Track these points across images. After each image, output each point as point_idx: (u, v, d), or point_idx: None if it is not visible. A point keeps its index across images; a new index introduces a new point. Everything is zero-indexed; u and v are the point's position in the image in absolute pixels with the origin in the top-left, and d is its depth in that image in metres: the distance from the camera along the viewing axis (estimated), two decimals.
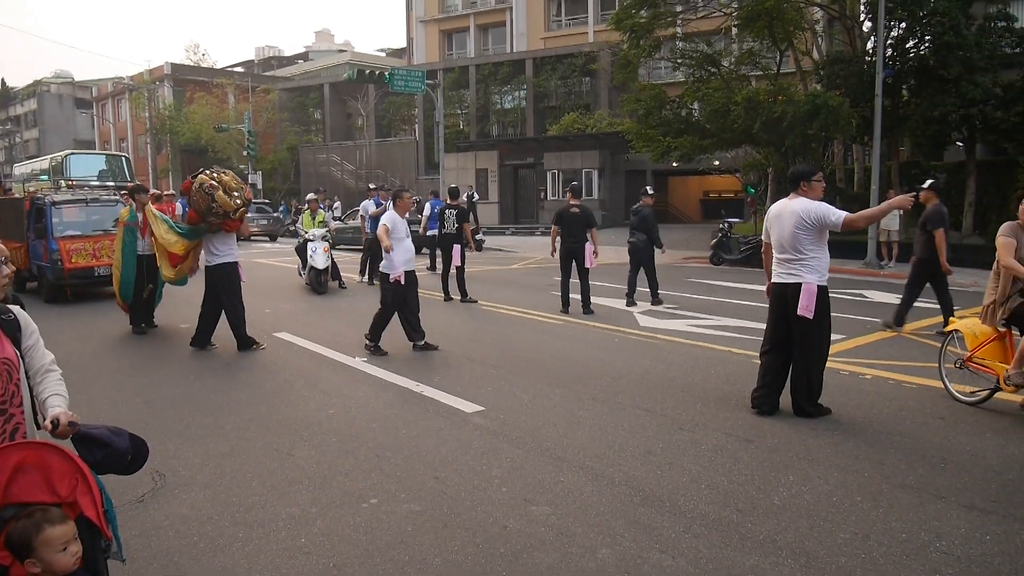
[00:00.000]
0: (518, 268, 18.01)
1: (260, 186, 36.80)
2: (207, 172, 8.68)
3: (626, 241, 11.78)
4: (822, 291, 5.69)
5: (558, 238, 10.97)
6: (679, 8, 22.71)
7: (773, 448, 5.12)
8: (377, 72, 26.91)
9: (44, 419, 2.56)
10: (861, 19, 20.66)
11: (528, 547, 3.77)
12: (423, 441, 5.37)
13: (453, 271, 12.11)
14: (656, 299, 11.42)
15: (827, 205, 5.67)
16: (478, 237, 22.20)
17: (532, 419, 5.85)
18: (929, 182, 9.30)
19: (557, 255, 11.05)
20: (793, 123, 17.61)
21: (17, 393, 2.63)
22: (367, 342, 8.39)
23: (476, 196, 24.00)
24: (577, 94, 37.18)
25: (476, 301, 11.85)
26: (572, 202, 10.96)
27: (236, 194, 8.47)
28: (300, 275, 14.30)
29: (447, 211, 12.31)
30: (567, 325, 9.94)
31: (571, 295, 11.02)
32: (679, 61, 23.03)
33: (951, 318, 7.34)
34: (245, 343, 8.66)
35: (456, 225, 12.14)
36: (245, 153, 37.23)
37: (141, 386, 7.06)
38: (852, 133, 19.05)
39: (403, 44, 52.97)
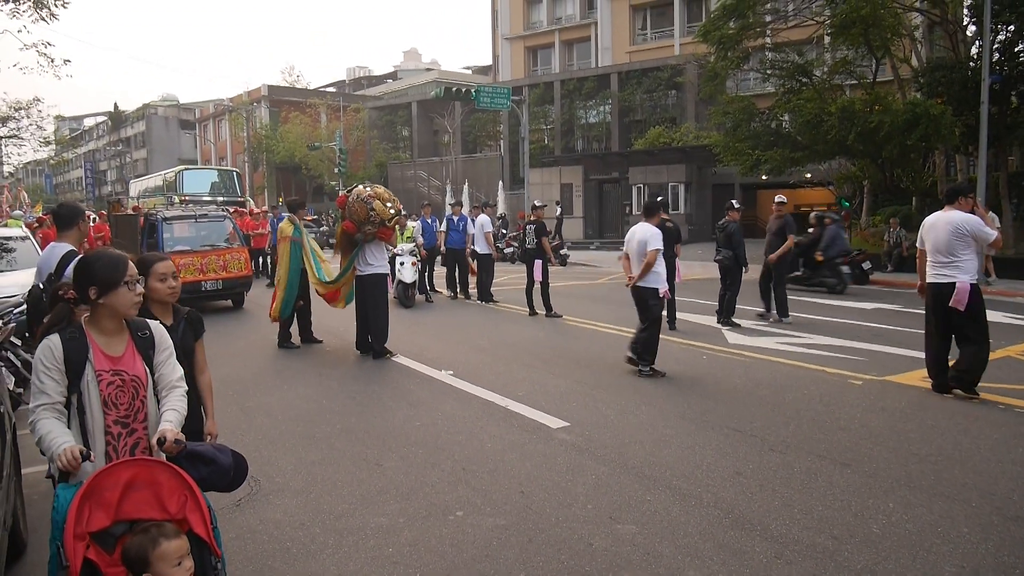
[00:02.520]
0: (604, 283, 17.89)
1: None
2: (362, 185, 9.21)
3: (712, 258, 11.54)
4: (975, 288, 6.59)
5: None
6: (768, 18, 22.23)
7: (871, 473, 4.90)
8: (464, 89, 27.36)
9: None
10: (964, 23, 19.72)
11: (614, 566, 3.72)
12: (508, 455, 5.39)
13: (537, 286, 12.12)
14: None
15: (980, 221, 6.69)
16: (563, 252, 22.19)
17: (618, 436, 5.79)
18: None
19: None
20: (891, 133, 16.94)
21: (142, 409, 2.71)
22: (641, 368, 7.86)
23: (561, 211, 24.01)
24: (663, 107, 36.79)
25: (561, 316, 11.84)
26: (663, 216, 10.82)
27: (389, 204, 8.88)
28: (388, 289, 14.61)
29: (527, 226, 12.37)
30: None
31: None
32: (769, 72, 22.52)
33: None
34: (381, 353, 8.92)
35: (535, 240, 12.17)
36: (336, 170, 38.40)
37: (237, 394, 7.35)
38: (955, 143, 18.17)
39: (489, 61, 53.65)
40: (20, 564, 3.94)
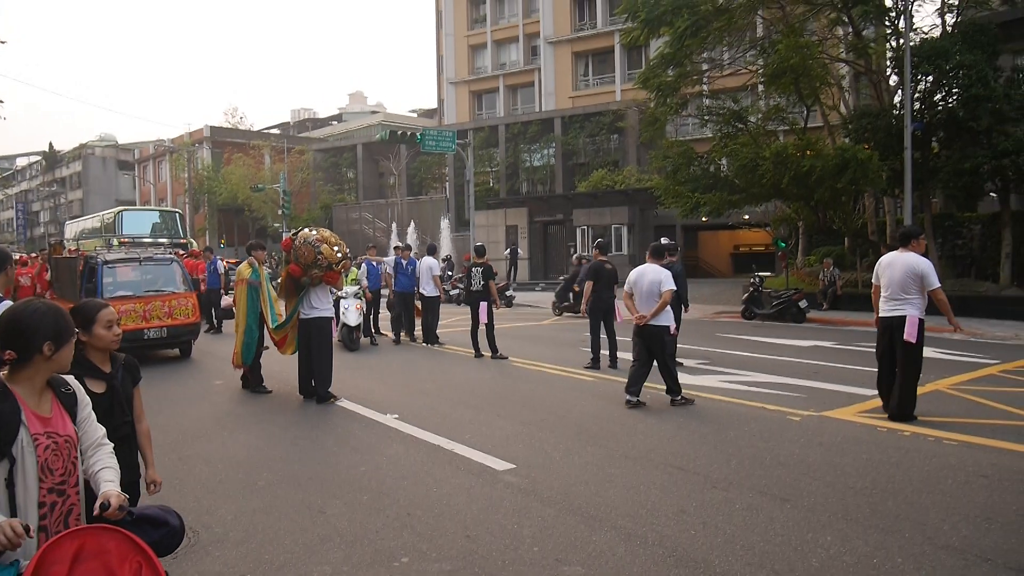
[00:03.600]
0: (548, 324, 18.02)
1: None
2: (308, 228, 9.16)
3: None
4: (921, 323, 7.21)
5: (590, 293, 10.98)
6: (705, 66, 23.06)
7: (810, 508, 5.02)
8: (409, 133, 27.55)
9: (96, 494, 2.49)
10: (888, 74, 20.79)
11: None
12: (454, 499, 5.35)
13: (482, 327, 12.15)
14: None
15: (932, 267, 7.29)
16: (508, 293, 22.29)
17: (563, 477, 5.81)
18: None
19: (586, 310, 11.02)
20: (822, 177, 17.62)
21: (74, 472, 2.54)
22: (675, 398, 8.29)
23: (520, 252, 24.13)
24: (605, 151, 37.64)
25: (507, 357, 11.87)
26: (601, 259, 11.03)
27: (336, 248, 8.85)
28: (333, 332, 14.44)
29: (473, 269, 12.42)
30: (598, 381, 9.90)
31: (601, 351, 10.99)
32: (706, 118, 23.28)
33: None
34: (325, 397, 8.79)
35: (483, 282, 12.24)
36: (280, 212, 38.07)
37: (175, 442, 7.15)
38: (883, 186, 19.00)
39: (434, 105, 54.22)
40: None
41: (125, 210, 23.66)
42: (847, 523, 4.73)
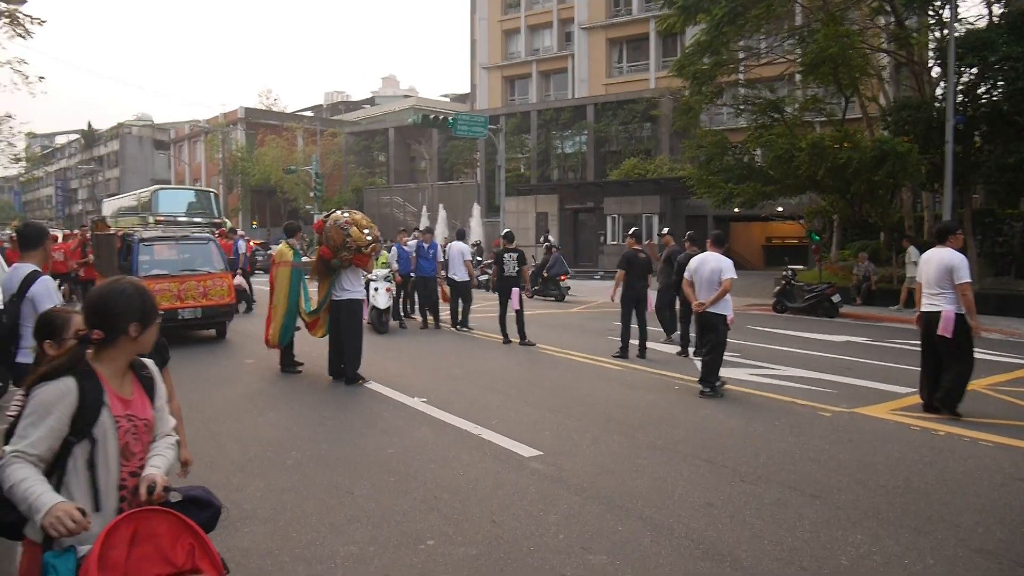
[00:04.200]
0: (577, 312, 17.97)
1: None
2: (340, 211, 9.19)
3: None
4: (959, 317, 7.20)
5: (621, 282, 10.92)
6: (742, 55, 22.72)
7: (840, 505, 4.95)
8: (441, 117, 27.57)
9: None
10: (930, 65, 20.31)
11: None
12: (480, 484, 5.37)
13: (512, 314, 12.15)
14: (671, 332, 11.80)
15: (965, 262, 7.31)
16: (565, 284, 22.19)
17: (590, 465, 5.80)
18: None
19: (618, 299, 10.96)
20: (859, 170, 17.31)
21: (146, 456, 2.50)
22: (704, 389, 8.26)
23: (552, 241, 24.04)
24: (638, 139, 37.30)
25: (535, 344, 11.86)
26: (635, 247, 10.95)
27: (367, 231, 8.87)
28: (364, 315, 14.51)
29: (506, 255, 12.39)
30: (626, 371, 9.85)
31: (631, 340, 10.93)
32: (741, 107, 22.95)
33: None
34: (354, 379, 8.87)
35: (516, 268, 12.22)
36: (312, 194, 38.31)
37: (207, 420, 7.25)
38: (922, 180, 18.61)
39: (467, 90, 54.12)
40: None
41: (161, 189, 23.73)
42: (878, 522, 4.67)
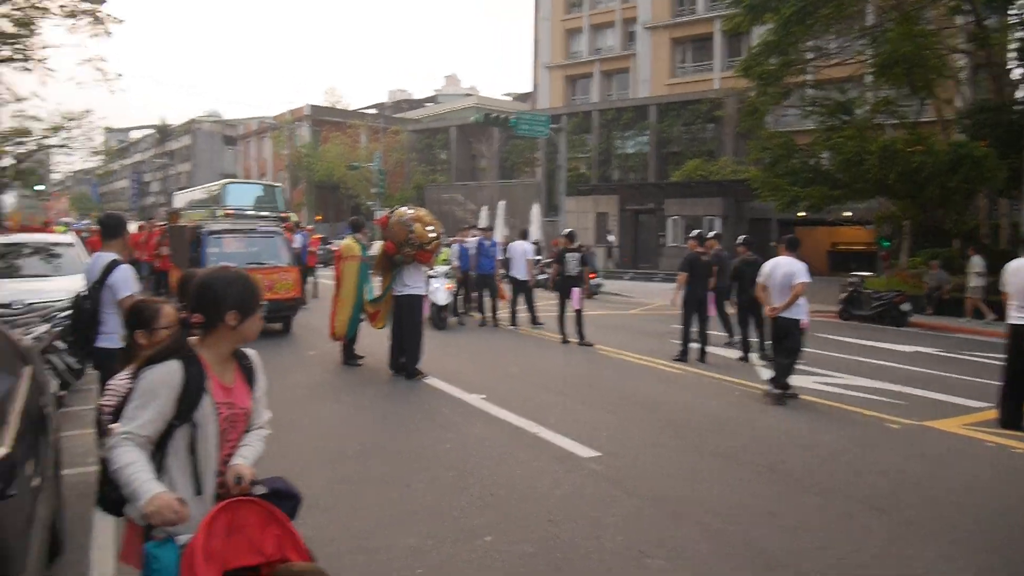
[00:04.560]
0: (636, 314, 17.82)
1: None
2: (405, 207, 9.32)
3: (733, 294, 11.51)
4: None
5: (683, 285, 10.78)
6: (810, 55, 22.16)
7: (909, 521, 4.79)
8: (503, 116, 27.62)
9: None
10: (1009, 67, 19.50)
11: None
12: (538, 482, 5.36)
13: (571, 314, 12.11)
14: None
15: None
16: (595, 281, 22.13)
17: (649, 469, 5.74)
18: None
19: (679, 302, 10.81)
20: (933, 174, 16.71)
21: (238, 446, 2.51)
22: (775, 390, 8.12)
23: (612, 241, 24.03)
24: (700, 140, 36.78)
25: (593, 345, 11.79)
26: (698, 249, 10.81)
27: (430, 228, 8.95)
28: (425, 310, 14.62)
29: (568, 254, 12.36)
30: (686, 374, 9.73)
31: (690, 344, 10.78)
32: (809, 109, 22.38)
33: None
34: (413, 374, 8.98)
35: (578, 268, 12.19)
36: (374, 191, 38.85)
37: (270, 409, 7.39)
38: (1000, 186, 17.88)
39: (528, 89, 54.16)
40: (58, 565, 3.99)
41: (230, 182, 24.24)
42: (950, 542, 4.50)
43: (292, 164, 52.93)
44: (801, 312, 8.21)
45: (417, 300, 9.20)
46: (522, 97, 61.56)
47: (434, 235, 8.98)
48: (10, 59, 17.53)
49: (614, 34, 46.40)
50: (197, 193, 28.00)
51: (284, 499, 2.40)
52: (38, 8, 16.66)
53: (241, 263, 12.02)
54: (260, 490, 2.38)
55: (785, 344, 8.27)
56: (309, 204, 50.64)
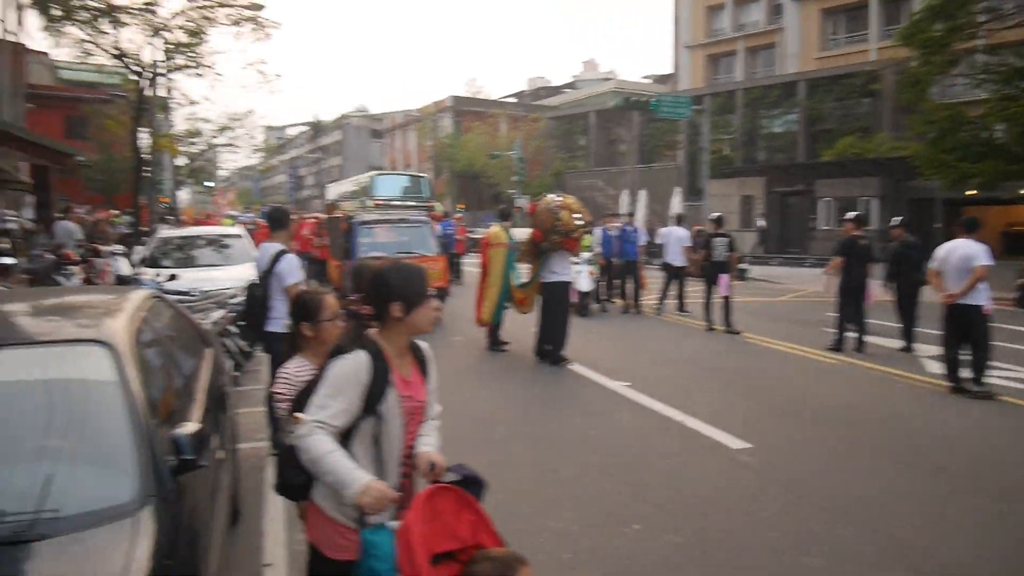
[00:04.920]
0: (786, 300, 17.09)
1: (527, 209, 38.60)
2: (553, 194, 9.43)
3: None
4: None
5: (837, 270, 10.22)
6: (982, 18, 20.30)
7: None
8: (643, 99, 27.18)
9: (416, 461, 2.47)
10: None
11: None
12: (686, 472, 5.28)
13: (718, 300, 11.78)
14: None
15: None
16: (741, 266, 21.42)
17: (803, 463, 5.51)
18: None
19: (833, 287, 10.26)
20: None
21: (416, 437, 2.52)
22: (976, 389, 7.57)
23: (766, 224, 23.21)
24: (854, 116, 34.58)
25: (740, 332, 11.43)
26: (855, 232, 10.21)
27: (578, 216, 9.02)
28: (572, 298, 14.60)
29: (716, 239, 12.02)
30: (842, 365, 9.24)
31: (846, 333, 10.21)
32: (981, 77, 20.54)
33: None
34: (558, 360, 9.09)
35: (725, 254, 11.85)
36: (514, 178, 39.37)
37: None
38: None
39: (668, 70, 52.95)
40: (235, 532, 4.34)
41: (378, 174, 25.29)
42: None
43: (435, 155, 54.48)
44: (982, 297, 7.56)
45: (563, 287, 9.27)
46: (662, 79, 60.28)
47: (581, 223, 8.98)
48: (184, 66, 19.11)
49: (758, 9, 44.40)
50: (348, 185, 29.32)
51: (472, 485, 2.39)
52: (207, 18, 18.02)
53: (390, 252, 12.14)
54: (451, 476, 2.39)
55: (972, 336, 7.61)
56: (451, 193, 52.00)
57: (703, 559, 3.97)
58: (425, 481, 2.41)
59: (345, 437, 2.31)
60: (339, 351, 2.36)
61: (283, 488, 2.49)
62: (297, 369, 3.06)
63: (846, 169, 30.37)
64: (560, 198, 9.20)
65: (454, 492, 2.26)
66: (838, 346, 10.03)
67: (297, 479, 2.36)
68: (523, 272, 9.96)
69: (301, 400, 2.45)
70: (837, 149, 32.01)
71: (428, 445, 2.51)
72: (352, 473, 2.20)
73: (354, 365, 2.30)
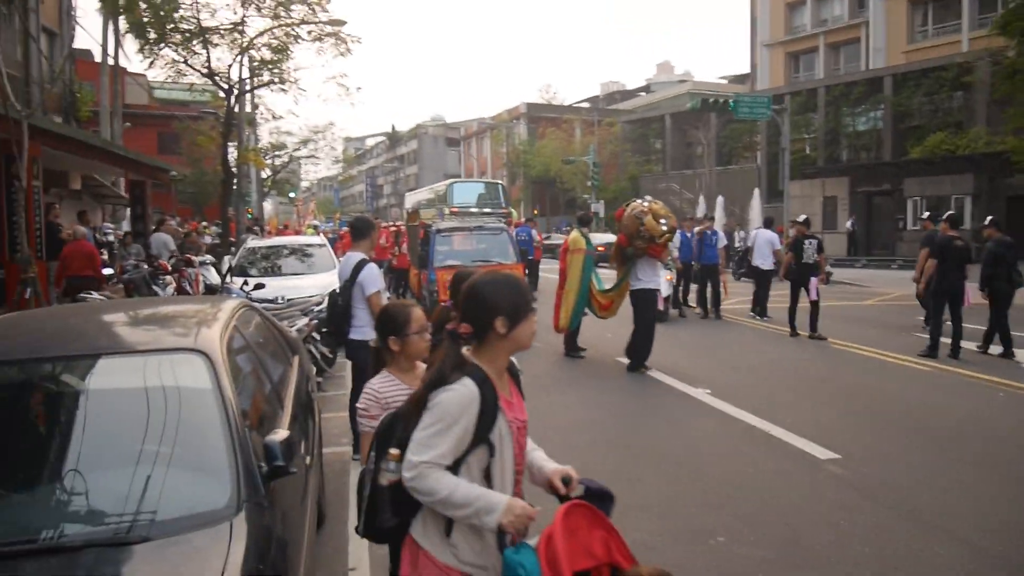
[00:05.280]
0: (872, 304, 16.47)
1: (602, 214, 38.43)
2: (639, 200, 9.40)
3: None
4: None
5: (931, 272, 9.79)
6: None
7: None
8: (720, 100, 26.68)
9: (540, 476, 2.36)
10: None
11: None
12: (772, 483, 5.14)
13: (804, 304, 11.44)
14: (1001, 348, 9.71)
15: None
16: (827, 270, 20.76)
17: (896, 476, 5.28)
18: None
19: (922, 290, 9.83)
20: None
21: (523, 460, 2.36)
22: None
23: (853, 227, 22.54)
24: (945, 111, 33.08)
25: (826, 338, 11.06)
26: (950, 233, 9.77)
27: (663, 221, 8.94)
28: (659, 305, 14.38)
29: (805, 241, 11.68)
30: (938, 373, 8.82)
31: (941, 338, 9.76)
32: None
33: None
34: (636, 367, 9.03)
35: (815, 256, 11.52)
36: (589, 183, 39.21)
37: None
38: None
39: (745, 70, 51.86)
40: (320, 536, 4.44)
41: (455, 182, 25.57)
42: None
43: (510, 161, 54.77)
44: None
45: (651, 294, 9.18)
46: (739, 79, 59.06)
47: (666, 228, 8.86)
48: (270, 82, 19.77)
49: (841, 3, 43.03)
50: (424, 193, 29.76)
51: (601, 500, 2.25)
52: (291, 35, 18.61)
53: (467, 261, 12.00)
54: (580, 491, 2.26)
55: None
56: (525, 200, 52.18)
57: (790, 573, 3.85)
58: (555, 497, 2.27)
59: (454, 467, 2.12)
60: (441, 381, 2.12)
61: (371, 532, 2.32)
62: (382, 384, 2.99)
63: (936, 167, 29.12)
64: (647, 203, 9.11)
65: (586, 508, 2.14)
66: (932, 352, 9.59)
67: (390, 522, 2.22)
68: (608, 277, 9.93)
69: (391, 429, 2.28)
70: (927, 146, 30.71)
71: (548, 459, 2.37)
72: (490, 498, 2.08)
73: (463, 397, 2.09)
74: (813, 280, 11.35)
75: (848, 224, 30.47)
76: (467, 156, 68.41)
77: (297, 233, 24.36)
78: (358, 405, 2.99)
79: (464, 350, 2.21)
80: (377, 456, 2.27)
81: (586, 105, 64.26)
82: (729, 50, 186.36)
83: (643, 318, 9.09)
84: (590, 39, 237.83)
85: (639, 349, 9.05)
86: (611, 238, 12.56)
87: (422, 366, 2.95)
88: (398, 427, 2.25)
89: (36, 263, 10.45)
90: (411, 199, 33.68)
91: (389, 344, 3.04)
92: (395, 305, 3.19)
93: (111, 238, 18.36)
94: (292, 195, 53.39)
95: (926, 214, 11.61)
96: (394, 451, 2.19)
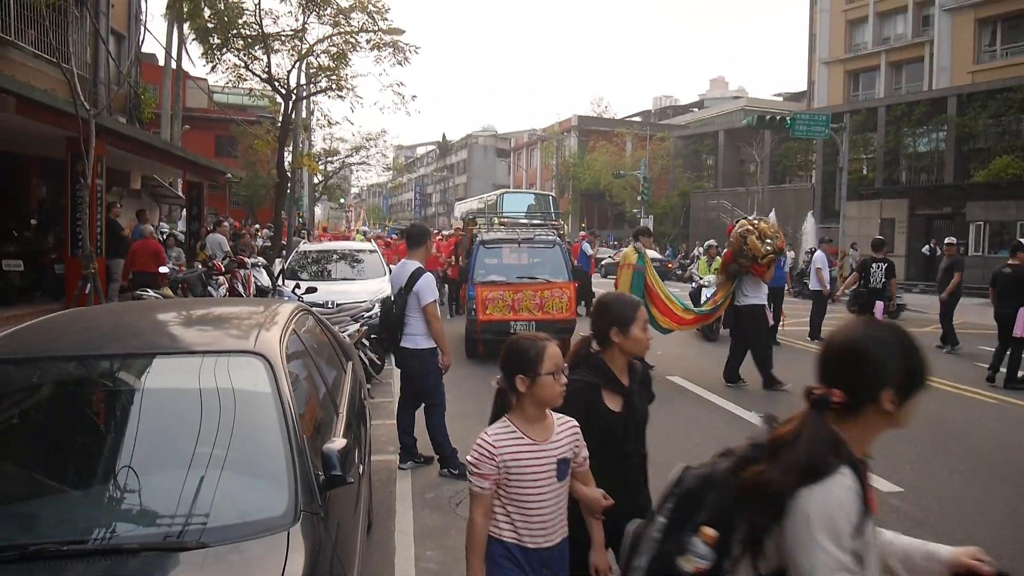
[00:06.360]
0: (932, 331, 15.92)
1: (652, 229, 38.14)
2: (748, 218, 9.43)
3: None
4: None
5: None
6: None
7: None
8: (777, 117, 26.27)
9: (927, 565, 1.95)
10: None
11: None
12: None
13: None
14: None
15: None
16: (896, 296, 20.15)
17: (963, 511, 5.05)
18: None
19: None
20: None
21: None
22: None
23: (935, 250, 21.80)
24: (1013, 133, 32.09)
25: None
26: (1011, 262, 9.45)
27: (769, 241, 8.88)
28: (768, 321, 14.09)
29: (873, 264, 11.37)
30: (1003, 405, 8.47)
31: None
32: None
33: None
34: (769, 382, 8.99)
35: (883, 280, 11.21)
36: (639, 198, 38.94)
37: None
38: None
39: (801, 87, 51.10)
40: (368, 543, 4.40)
41: (506, 192, 25.66)
42: None
43: (559, 174, 54.74)
44: None
45: (758, 310, 9.10)
46: (794, 96, 58.23)
47: (771, 249, 8.78)
48: (328, 89, 20.04)
49: (904, 21, 42.09)
50: (474, 203, 29.85)
51: None
52: (349, 43, 18.82)
53: (511, 276, 10.82)
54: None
55: None
56: (574, 212, 52.08)
57: None
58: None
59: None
60: (813, 471, 1.58)
61: None
62: (499, 436, 2.50)
63: (1002, 191, 28.23)
64: (754, 221, 9.10)
65: None
66: (1007, 384, 9.22)
67: None
68: (668, 292, 9.84)
69: (700, 496, 1.83)
70: (992, 169, 29.83)
71: (919, 541, 1.94)
72: None
73: (848, 496, 1.56)
74: (879, 305, 11.00)
75: (927, 248, 29.48)
76: (516, 167, 68.54)
77: (335, 238, 24.68)
78: (468, 459, 2.51)
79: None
80: (673, 525, 1.81)
81: (638, 119, 64.00)
82: (784, 67, 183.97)
83: (754, 334, 9.07)
84: (643, 53, 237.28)
85: (761, 363, 9.01)
86: (655, 255, 12.26)
87: (553, 415, 2.58)
88: (709, 495, 1.78)
89: (96, 259, 10.72)
90: (460, 208, 33.88)
91: (517, 384, 2.51)
92: (525, 338, 2.64)
93: (165, 237, 18.80)
94: (343, 201, 54.15)
95: (951, 240, 11.39)
96: (710, 531, 1.70)
